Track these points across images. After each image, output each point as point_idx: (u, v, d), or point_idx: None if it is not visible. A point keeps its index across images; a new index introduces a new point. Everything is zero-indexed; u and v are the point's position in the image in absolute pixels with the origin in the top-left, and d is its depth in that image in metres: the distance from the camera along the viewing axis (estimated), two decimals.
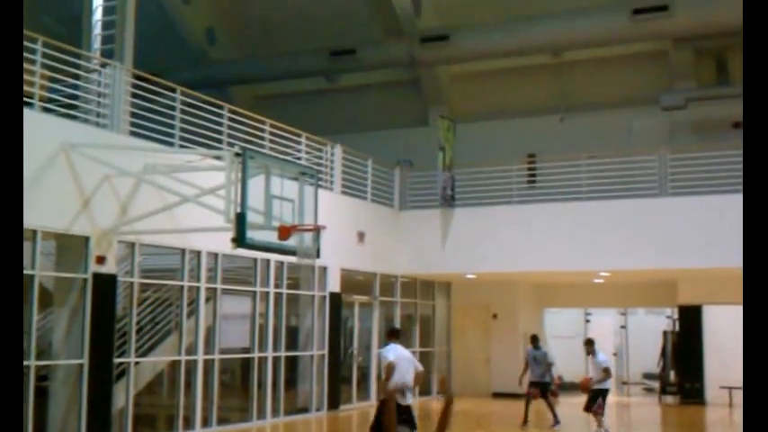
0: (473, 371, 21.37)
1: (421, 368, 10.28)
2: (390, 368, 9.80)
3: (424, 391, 19.91)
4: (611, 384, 14.32)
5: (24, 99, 10.25)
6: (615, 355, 26.35)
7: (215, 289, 13.74)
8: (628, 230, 16.99)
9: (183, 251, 13.15)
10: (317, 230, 11.52)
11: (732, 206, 15.13)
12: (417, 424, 10.14)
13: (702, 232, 16.21)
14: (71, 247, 11.55)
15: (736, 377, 16.14)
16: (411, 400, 10.01)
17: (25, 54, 10.39)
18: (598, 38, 21.12)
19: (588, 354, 14.22)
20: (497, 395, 20.72)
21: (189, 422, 13.16)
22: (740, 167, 14.47)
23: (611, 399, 15.23)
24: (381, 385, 10.26)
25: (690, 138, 21.04)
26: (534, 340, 15.84)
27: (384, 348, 10.36)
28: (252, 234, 10.78)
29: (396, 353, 10.09)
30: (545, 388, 15.45)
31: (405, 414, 9.78)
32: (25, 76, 10.42)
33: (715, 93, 21.09)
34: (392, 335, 10.69)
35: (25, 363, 10.71)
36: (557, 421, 14.87)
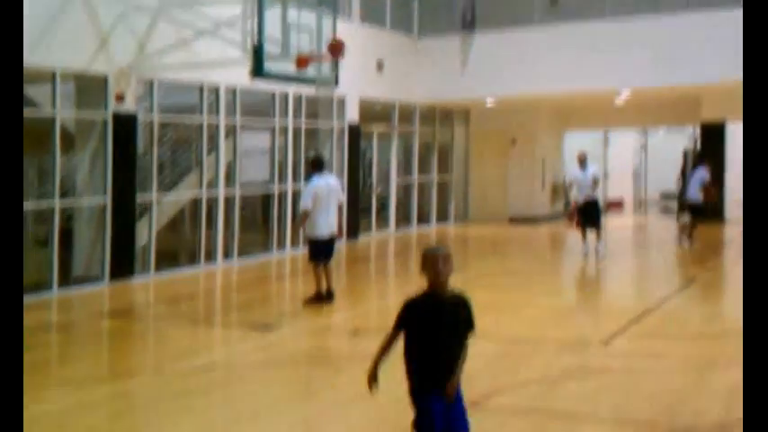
0: (490, 197, 21.39)
1: (342, 199, 10.27)
2: (305, 216, 9.87)
3: (442, 217, 20.17)
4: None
5: None
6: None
7: (234, 126, 13.57)
8: (651, 48, 16.44)
9: (201, 87, 12.85)
10: (336, 51, 11.21)
11: None
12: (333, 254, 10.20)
13: (727, 45, 15.54)
14: (90, 88, 11.29)
15: None
16: (333, 228, 10.04)
17: None
18: None
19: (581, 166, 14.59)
20: (514, 220, 20.82)
21: (211, 255, 13.25)
22: None
23: (626, 218, 15.53)
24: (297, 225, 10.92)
25: None
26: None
27: (307, 186, 10.13)
28: (270, 65, 10.56)
29: (319, 185, 9.89)
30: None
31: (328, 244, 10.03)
32: None
33: None
34: (315, 165, 10.19)
35: (50, 204, 10.77)
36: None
